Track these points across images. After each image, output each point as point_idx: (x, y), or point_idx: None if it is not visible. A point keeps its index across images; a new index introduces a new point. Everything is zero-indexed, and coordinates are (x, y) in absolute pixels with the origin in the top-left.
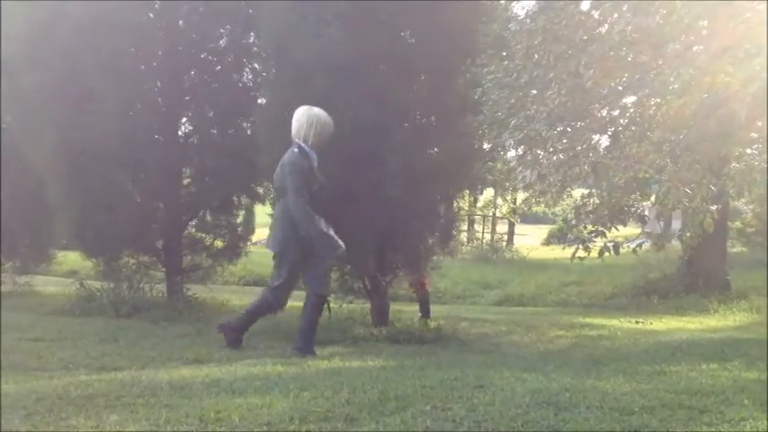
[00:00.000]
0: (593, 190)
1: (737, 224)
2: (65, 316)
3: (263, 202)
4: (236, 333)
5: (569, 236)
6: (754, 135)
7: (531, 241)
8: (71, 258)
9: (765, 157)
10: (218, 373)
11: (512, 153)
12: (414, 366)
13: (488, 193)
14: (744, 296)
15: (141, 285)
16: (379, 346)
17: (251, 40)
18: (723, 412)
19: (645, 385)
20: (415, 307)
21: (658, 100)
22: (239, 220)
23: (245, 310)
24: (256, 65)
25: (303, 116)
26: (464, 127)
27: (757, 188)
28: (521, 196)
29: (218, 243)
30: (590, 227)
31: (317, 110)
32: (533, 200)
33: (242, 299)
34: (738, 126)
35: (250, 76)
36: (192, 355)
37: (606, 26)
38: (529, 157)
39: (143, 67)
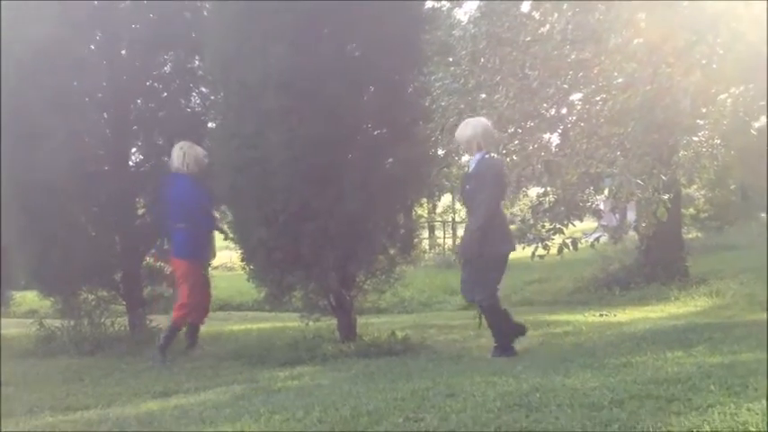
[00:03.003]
0: (548, 188)
1: (691, 210)
2: (27, 358)
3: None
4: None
5: (528, 235)
6: (700, 122)
7: None
8: (29, 298)
9: (712, 143)
10: (187, 403)
11: (466, 158)
12: (384, 379)
13: (447, 198)
14: (703, 281)
15: (102, 321)
16: (349, 362)
17: (196, 64)
18: (690, 399)
19: (612, 378)
20: (383, 318)
21: (604, 95)
22: None
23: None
24: (203, 88)
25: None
26: (417, 135)
27: (707, 173)
28: None
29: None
30: (548, 225)
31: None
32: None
33: (208, 325)
34: (684, 115)
35: (198, 101)
36: (160, 387)
37: (548, 26)
38: None
39: (87, 99)
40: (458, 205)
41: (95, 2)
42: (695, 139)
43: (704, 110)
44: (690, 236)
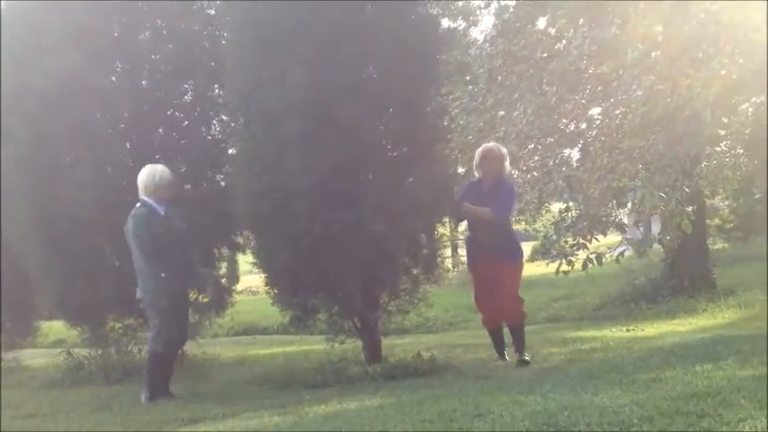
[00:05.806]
0: (570, 203)
1: (716, 221)
2: (56, 388)
3: (243, 252)
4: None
5: (552, 251)
6: (722, 132)
7: None
8: (56, 328)
9: (735, 152)
10: (216, 430)
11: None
12: (411, 401)
13: None
14: (730, 293)
15: (129, 349)
16: (375, 384)
17: (216, 92)
18: (721, 414)
19: (641, 395)
20: (408, 339)
21: (624, 109)
22: (222, 271)
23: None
24: (223, 116)
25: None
26: (437, 155)
27: (730, 184)
28: None
29: (203, 297)
30: (571, 240)
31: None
32: (512, 218)
33: (234, 350)
34: (705, 126)
35: (218, 128)
36: (188, 414)
37: (564, 42)
38: None
39: (110, 130)
40: None
41: (115, 33)
42: (717, 149)
43: (725, 120)
44: (716, 247)
